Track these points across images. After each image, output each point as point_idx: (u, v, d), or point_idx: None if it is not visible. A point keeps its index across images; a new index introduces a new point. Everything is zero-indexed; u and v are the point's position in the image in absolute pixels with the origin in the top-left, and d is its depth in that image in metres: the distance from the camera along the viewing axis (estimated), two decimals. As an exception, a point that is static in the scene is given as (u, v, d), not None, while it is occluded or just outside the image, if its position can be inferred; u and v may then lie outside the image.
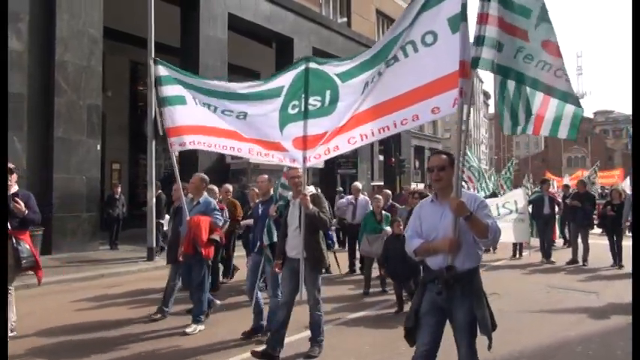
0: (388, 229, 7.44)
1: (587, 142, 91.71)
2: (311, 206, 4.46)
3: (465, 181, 13.54)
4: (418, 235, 3.17)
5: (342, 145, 4.38)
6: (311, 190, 4.79)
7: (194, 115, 5.26)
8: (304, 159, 4.48)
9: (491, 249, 12.39)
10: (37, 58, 10.95)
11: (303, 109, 4.47)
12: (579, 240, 10.75)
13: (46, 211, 10.58)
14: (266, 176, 5.77)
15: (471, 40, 3.37)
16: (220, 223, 5.92)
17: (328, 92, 4.39)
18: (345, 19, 22.16)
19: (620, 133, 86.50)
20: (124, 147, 18.27)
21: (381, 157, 26.11)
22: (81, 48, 11.59)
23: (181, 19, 15.13)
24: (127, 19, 14.60)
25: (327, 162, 19.45)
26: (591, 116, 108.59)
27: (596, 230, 14.44)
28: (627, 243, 9.52)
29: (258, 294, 5.43)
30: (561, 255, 11.39)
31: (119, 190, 13.18)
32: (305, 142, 4.44)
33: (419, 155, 42.06)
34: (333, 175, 20.16)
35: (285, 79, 4.68)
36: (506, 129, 3.77)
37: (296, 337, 5.17)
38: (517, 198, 10.98)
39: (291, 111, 4.62)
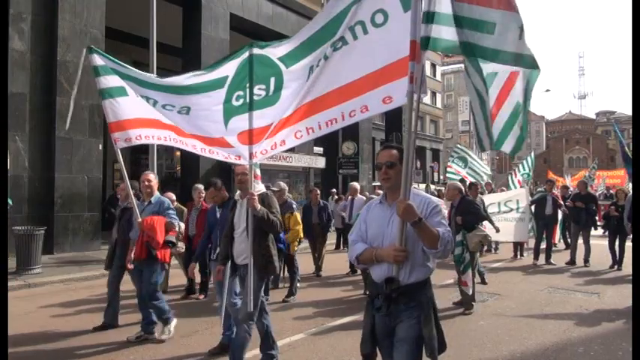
0: None
1: (589, 142, 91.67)
2: (259, 207, 4.03)
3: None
4: (363, 241, 2.78)
5: (289, 140, 3.96)
6: (260, 189, 4.45)
7: (137, 107, 4.78)
8: (250, 154, 4.03)
9: (492, 249, 12.35)
10: (40, 57, 10.98)
11: (248, 100, 4.05)
12: (580, 241, 10.68)
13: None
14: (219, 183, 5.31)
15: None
16: (176, 223, 5.46)
17: (273, 80, 4.00)
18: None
19: (622, 134, 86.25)
20: (126, 147, 18.26)
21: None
22: (83, 48, 11.53)
23: (183, 19, 15.14)
24: (129, 19, 14.62)
25: (328, 162, 19.51)
26: (593, 117, 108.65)
27: (597, 231, 14.46)
28: (627, 244, 9.53)
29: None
30: (560, 256, 11.35)
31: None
32: (251, 137, 3.99)
33: (420, 156, 42.08)
34: (335, 176, 20.16)
35: (228, 69, 4.26)
36: (487, 145, 3.27)
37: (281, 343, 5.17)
38: (519, 197, 10.95)
39: (235, 103, 4.21)
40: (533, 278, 9.02)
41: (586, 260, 10.47)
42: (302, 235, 7.71)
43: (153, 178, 5.47)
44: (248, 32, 17.31)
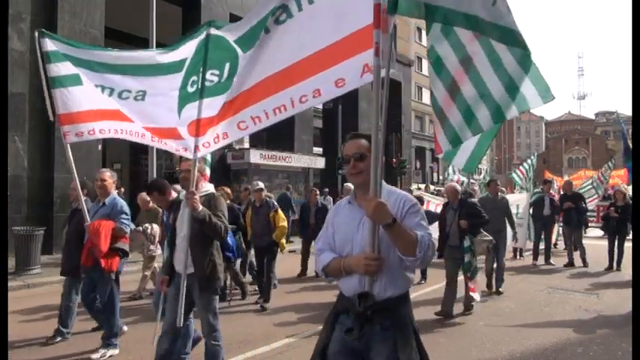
0: None
1: (588, 143, 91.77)
2: (200, 208, 3.49)
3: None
4: (331, 249, 2.35)
5: (232, 132, 3.46)
6: (207, 188, 3.92)
7: (92, 98, 4.21)
8: (195, 148, 3.53)
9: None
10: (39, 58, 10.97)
11: (200, 86, 3.57)
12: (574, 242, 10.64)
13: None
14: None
15: None
16: (127, 229, 4.86)
17: (228, 65, 3.49)
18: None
19: (620, 134, 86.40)
20: (125, 147, 18.28)
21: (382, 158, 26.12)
22: (82, 48, 11.59)
23: (183, 19, 15.15)
24: (129, 19, 14.63)
25: (327, 162, 19.51)
26: (592, 117, 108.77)
27: (597, 232, 14.44)
28: (627, 244, 9.53)
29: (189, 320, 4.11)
30: (561, 257, 11.36)
31: (122, 190, 13.19)
32: (198, 127, 3.52)
33: (420, 156, 42.12)
34: (334, 176, 20.17)
35: (187, 50, 3.79)
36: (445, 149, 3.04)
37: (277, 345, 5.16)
38: (520, 202, 10.87)
39: (189, 89, 3.71)
40: (533, 279, 9.02)
41: (583, 260, 10.35)
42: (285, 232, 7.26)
43: (108, 176, 4.97)
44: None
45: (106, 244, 4.57)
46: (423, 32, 47.15)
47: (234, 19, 15.78)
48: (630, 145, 10.97)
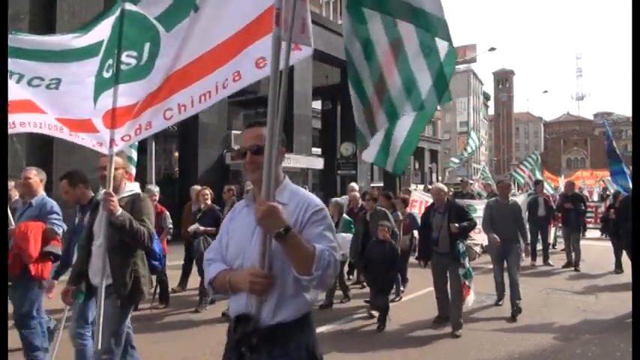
0: (341, 235, 6.70)
1: (587, 143, 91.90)
2: (119, 211, 3.04)
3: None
4: (223, 260, 1.99)
5: (156, 122, 3.05)
6: (132, 189, 3.46)
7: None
8: (111, 141, 3.07)
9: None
10: (38, 58, 10.97)
11: (115, 70, 3.07)
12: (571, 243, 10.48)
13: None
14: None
15: None
16: (59, 230, 4.34)
17: (148, 45, 3.05)
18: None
19: (619, 135, 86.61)
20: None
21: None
22: (81, 48, 11.61)
23: (181, 19, 15.13)
24: (128, 19, 14.61)
25: (326, 163, 19.50)
26: (591, 118, 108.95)
27: (595, 233, 14.44)
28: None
29: (88, 340, 3.61)
30: (561, 257, 11.35)
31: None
32: (113, 118, 3.04)
33: (418, 157, 42.12)
34: (333, 177, 20.17)
35: (104, 31, 3.28)
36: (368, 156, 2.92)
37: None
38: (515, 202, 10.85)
39: (105, 75, 3.21)
40: (531, 280, 9.02)
41: (576, 264, 10.02)
42: None
43: (34, 174, 4.54)
44: (246, 33, 17.34)
45: (36, 249, 4.08)
46: (422, 33, 47.23)
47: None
48: (616, 147, 11.00)
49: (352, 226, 7.13)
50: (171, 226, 6.85)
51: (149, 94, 3.00)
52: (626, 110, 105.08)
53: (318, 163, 18.62)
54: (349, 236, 6.88)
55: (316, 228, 1.86)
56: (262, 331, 1.79)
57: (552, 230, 12.17)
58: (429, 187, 13.56)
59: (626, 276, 8.86)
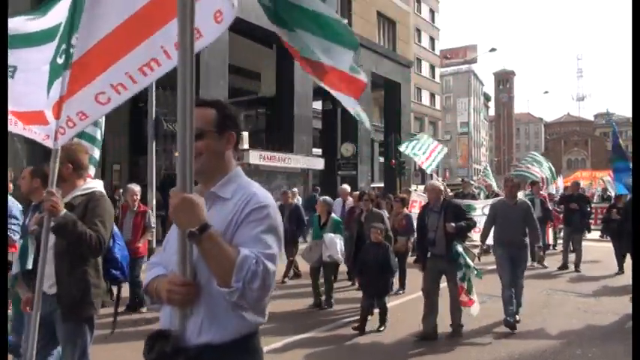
0: (329, 236, 6.64)
1: (588, 144, 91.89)
2: (62, 212, 2.67)
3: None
4: (162, 262, 1.74)
5: (91, 109, 2.59)
6: (89, 186, 3.06)
7: None
8: (55, 133, 2.74)
9: (491, 250, 12.22)
10: (38, 58, 10.97)
11: (67, 54, 2.65)
12: (571, 245, 10.34)
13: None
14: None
15: None
16: (15, 237, 3.94)
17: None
18: (345, 21, 22.10)
19: (620, 136, 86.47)
20: (124, 148, 18.30)
21: (382, 159, 26.13)
22: (82, 49, 11.61)
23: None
24: (128, 20, 14.61)
25: (327, 163, 19.49)
26: (591, 119, 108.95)
27: (595, 234, 14.42)
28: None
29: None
30: (557, 259, 11.32)
31: (120, 191, 13.20)
32: (60, 107, 2.65)
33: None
34: (334, 177, 20.16)
35: (60, 13, 2.90)
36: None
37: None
38: None
39: (58, 60, 2.80)
40: (532, 280, 9.00)
41: (577, 265, 9.88)
42: None
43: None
44: (247, 33, 17.33)
45: None
46: (423, 33, 47.28)
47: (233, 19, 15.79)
48: (622, 143, 10.88)
49: (342, 226, 6.99)
50: (154, 225, 6.62)
51: (72, 73, 2.55)
52: (626, 111, 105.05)
53: (319, 164, 18.62)
54: (338, 237, 6.73)
55: (252, 229, 1.54)
56: (185, 351, 1.48)
57: (550, 231, 12.09)
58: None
59: (627, 277, 8.85)
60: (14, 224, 4.00)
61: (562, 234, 12.14)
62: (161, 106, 17.47)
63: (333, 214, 7.11)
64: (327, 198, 7.40)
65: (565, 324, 6.07)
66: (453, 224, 5.36)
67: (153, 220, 6.67)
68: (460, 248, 5.41)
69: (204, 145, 1.65)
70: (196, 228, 1.44)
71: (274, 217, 1.62)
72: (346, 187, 10.15)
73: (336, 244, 6.61)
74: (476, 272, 5.53)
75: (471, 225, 5.75)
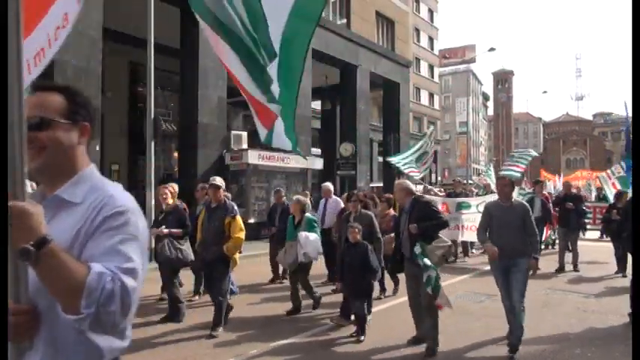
0: (303, 234, 6.31)
1: (586, 144, 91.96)
2: None
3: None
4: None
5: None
6: None
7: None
8: None
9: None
10: (37, 58, 10.94)
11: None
12: (569, 245, 10.22)
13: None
14: None
15: None
16: None
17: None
18: (344, 21, 22.18)
19: (618, 135, 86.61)
20: (123, 148, 18.27)
21: (381, 159, 26.14)
22: (80, 49, 11.58)
23: (181, 20, 15.13)
24: (127, 19, 14.59)
25: (326, 163, 19.46)
26: (590, 118, 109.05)
27: (595, 234, 14.44)
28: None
29: None
30: (551, 261, 11.32)
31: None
32: None
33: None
34: (333, 177, 20.16)
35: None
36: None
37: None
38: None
39: None
40: (531, 280, 8.97)
41: (575, 265, 9.85)
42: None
43: None
44: (246, 33, 17.31)
45: None
46: (422, 33, 47.29)
47: (232, 19, 15.79)
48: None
49: (315, 224, 6.63)
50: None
51: None
52: (624, 111, 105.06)
53: (318, 164, 18.61)
54: (313, 236, 6.38)
55: (108, 239, 1.27)
56: None
57: (549, 232, 11.94)
58: (428, 187, 13.47)
59: (627, 277, 8.86)
60: None
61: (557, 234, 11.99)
62: (160, 106, 17.42)
63: (307, 213, 6.72)
64: (300, 197, 7.03)
65: (564, 323, 6.07)
66: (415, 225, 5.04)
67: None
68: (418, 249, 4.95)
69: (47, 136, 1.35)
70: (31, 243, 1.13)
71: (135, 223, 1.34)
72: (329, 185, 9.59)
73: (311, 241, 6.29)
74: (435, 275, 4.86)
75: (440, 224, 5.21)
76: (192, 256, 6.09)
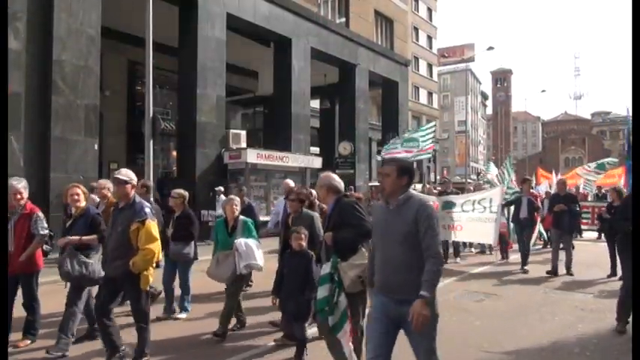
0: (242, 242, 5.25)
1: (585, 143, 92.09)
2: None
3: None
4: None
5: None
6: None
7: None
8: None
9: (487, 250, 12.16)
10: (35, 57, 10.92)
11: None
12: (561, 247, 9.58)
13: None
14: None
15: None
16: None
17: None
18: (343, 20, 22.18)
19: (616, 134, 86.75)
20: (122, 147, 18.25)
21: (379, 158, 26.12)
22: (79, 47, 11.57)
23: (180, 18, 15.12)
24: (125, 18, 14.58)
25: (325, 162, 19.46)
26: (588, 117, 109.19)
27: (592, 234, 14.43)
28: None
29: None
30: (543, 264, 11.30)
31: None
32: None
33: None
34: (331, 176, 20.14)
35: None
36: None
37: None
38: (493, 196, 10.13)
39: None
40: (529, 279, 9.03)
41: (568, 268, 9.31)
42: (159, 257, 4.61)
43: None
44: (245, 32, 17.30)
45: None
46: (420, 32, 47.25)
47: (230, 18, 15.79)
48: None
49: (252, 226, 5.58)
50: (45, 231, 5.04)
51: None
52: (624, 109, 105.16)
53: (317, 162, 18.61)
54: (250, 241, 5.34)
55: None
56: None
57: (536, 233, 11.55)
58: (427, 185, 13.43)
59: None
60: None
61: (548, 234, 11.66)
62: (159, 105, 17.36)
63: (241, 216, 5.61)
64: (235, 197, 5.94)
65: (563, 322, 6.08)
66: (330, 234, 4.02)
67: (43, 224, 5.07)
68: (326, 269, 3.85)
69: None
70: None
71: None
72: (289, 181, 8.18)
73: (252, 249, 5.27)
74: (344, 304, 3.77)
75: (361, 233, 3.93)
76: (101, 273, 4.69)
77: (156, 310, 5.88)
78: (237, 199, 5.86)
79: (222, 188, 13.57)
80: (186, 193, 6.52)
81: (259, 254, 5.40)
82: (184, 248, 6.17)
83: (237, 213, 5.61)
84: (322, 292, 3.78)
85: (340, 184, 4.32)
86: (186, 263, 6.26)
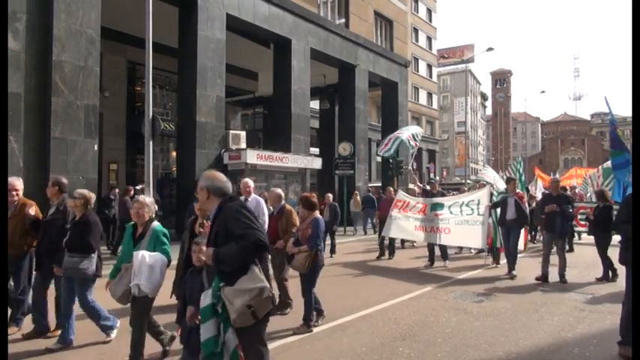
0: (139, 254, 4.22)
1: (584, 143, 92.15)
2: None
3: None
4: None
5: None
6: None
7: None
8: None
9: (486, 251, 11.98)
10: (34, 57, 10.92)
11: None
12: (554, 252, 9.06)
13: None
14: None
15: None
16: None
17: None
18: (343, 20, 22.18)
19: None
20: (122, 147, 18.26)
21: (379, 158, 26.12)
22: (78, 48, 11.57)
23: (179, 19, 15.12)
24: (125, 19, 14.59)
25: (324, 163, 19.48)
26: (588, 118, 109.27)
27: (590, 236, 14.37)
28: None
29: None
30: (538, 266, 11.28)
31: (117, 191, 13.16)
32: None
33: (416, 156, 42.11)
34: (331, 177, 20.16)
35: None
36: None
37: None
38: (481, 197, 9.92)
39: None
40: (528, 279, 9.02)
41: (561, 276, 8.68)
42: None
43: None
44: (244, 33, 17.30)
45: None
46: (420, 32, 47.25)
47: (230, 19, 15.79)
48: (620, 134, 10.55)
49: (166, 239, 4.48)
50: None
51: None
52: (623, 110, 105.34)
53: (316, 163, 18.61)
54: (154, 257, 4.28)
55: None
56: None
57: (527, 237, 11.27)
58: (428, 186, 13.32)
59: (624, 277, 8.87)
60: None
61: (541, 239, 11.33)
62: (158, 105, 17.37)
63: (155, 222, 4.55)
64: (145, 197, 4.84)
65: (562, 322, 6.08)
66: (211, 249, 3.02)
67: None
68: (209, 297, 3.00)
69: None
70: None
71: None
72: (247, 180, 7.30)
73: (149, 266, 4.20)
74: (232, 342, 2.97)
75: (246, 246, 2.90)
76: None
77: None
78: (148, 200, 4.68)
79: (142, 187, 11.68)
80: (91, 195, 5.40)
81: (156, 274, 4.22)
82: (81, 262, 4.94)
83: (146, 217, 4.50)
84: (206, 331, 2.94)
85: (226, 184, 3.23)
86: (84, 282, 4.97)
